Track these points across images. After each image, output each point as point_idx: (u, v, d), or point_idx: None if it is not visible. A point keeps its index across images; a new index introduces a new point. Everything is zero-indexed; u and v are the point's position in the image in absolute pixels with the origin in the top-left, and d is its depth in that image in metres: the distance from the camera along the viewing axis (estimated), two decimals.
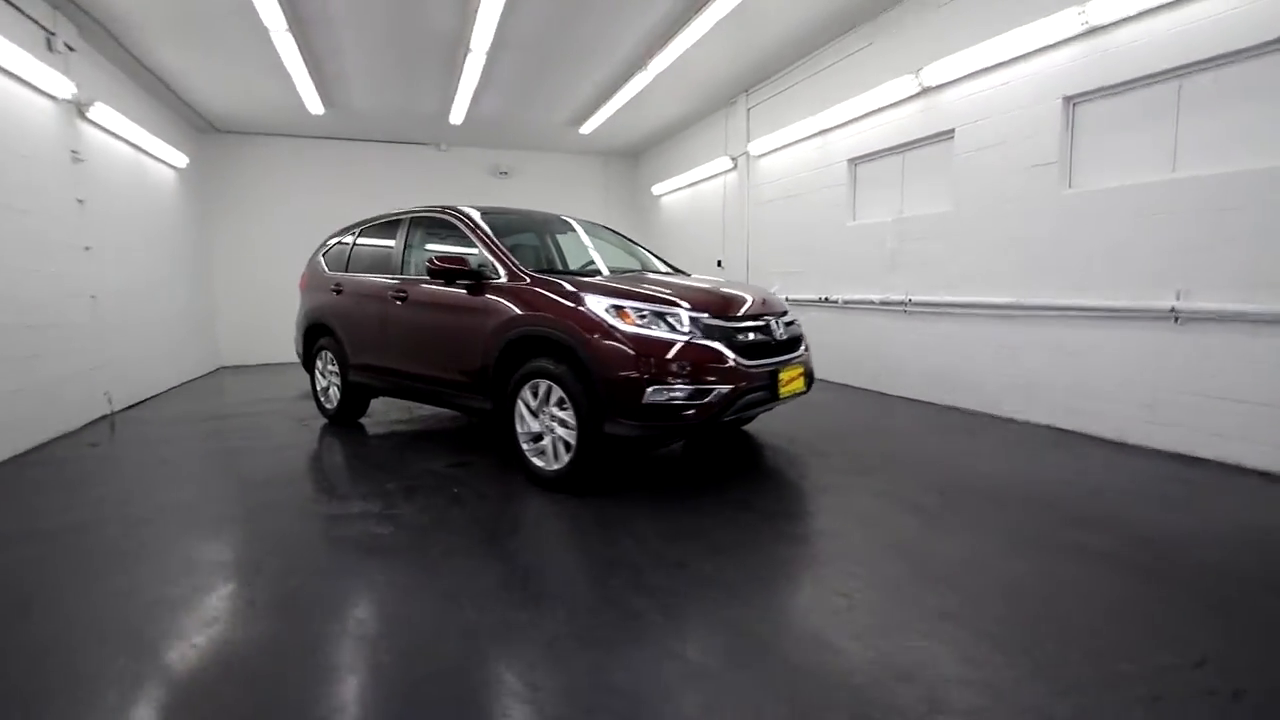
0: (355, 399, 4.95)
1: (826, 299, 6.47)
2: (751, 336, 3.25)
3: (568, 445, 3.17)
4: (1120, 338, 4.00)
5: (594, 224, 4.86)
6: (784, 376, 3.27)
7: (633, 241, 4.91)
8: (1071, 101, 4.21)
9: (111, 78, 5.95)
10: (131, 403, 6.00)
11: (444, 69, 6.60)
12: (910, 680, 1.70)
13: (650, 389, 2.88)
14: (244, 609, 2.15)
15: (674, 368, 2.91)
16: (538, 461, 3.34)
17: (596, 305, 3.06)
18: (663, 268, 4.56)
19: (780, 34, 6.03)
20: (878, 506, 3.04)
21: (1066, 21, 4.02)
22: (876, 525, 2.82)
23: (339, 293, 4.83)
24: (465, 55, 6.03)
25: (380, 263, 4.60)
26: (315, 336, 5.18)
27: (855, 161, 6.16)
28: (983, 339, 4.90)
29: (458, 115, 8.04)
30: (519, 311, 3.38)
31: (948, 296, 5.15)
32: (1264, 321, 3.33)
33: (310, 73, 6.39)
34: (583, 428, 3.05)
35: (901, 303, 5.60)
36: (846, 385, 6.29)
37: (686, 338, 3.00)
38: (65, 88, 4.82)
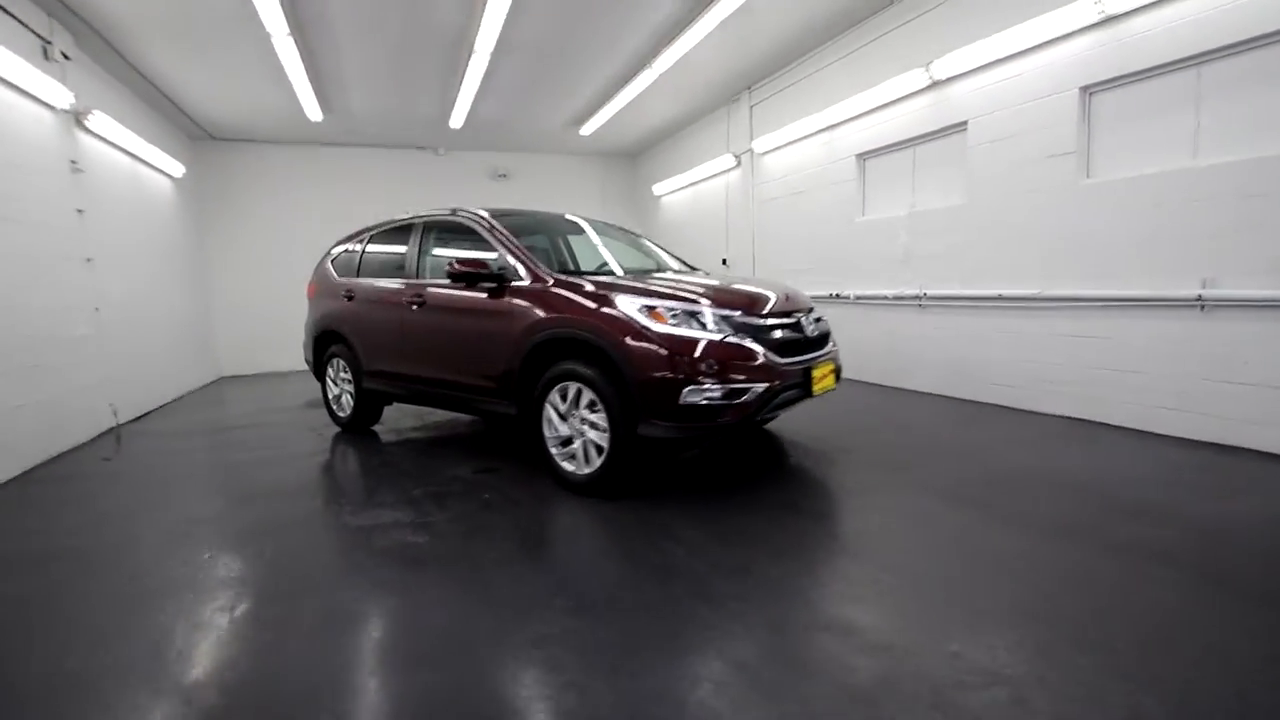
0: (369, 406, 4.87)
1: (837, 295, 6.45)
2: (783, 334, 3.21)
3: (599, 448, 3.12)
4: (1144, 327, 3.99)
5: (604, 223, 4.80)
6: (816, 373, 3.24)
7: (644, 239, 4.87)
8: (1089, 91, 4.20)
9: (107, 86, 5.85)
10: (136, 415, 5.89)
11: (445, 72, 6.53)
12: (998, 681, 1.66)
13: (686, 389, 2.83)
14: (294, 631, 2.08)
15: (710, 367, 2.86)
16: (568, 466, 3.28)
17: (628, 306, 3.01)
18: (677, 265, 4.52)
19: (785, 30, 6.00)
20: (925, 503, 3.01)
21: (1083, 10, 4.01)
22: (930, 523, 2.78)
23: (350, 299, 4.75)
24: (468, 58, 5.96)
25: (393, 268, 4.53)
26: (326, 344, 5.10)
27: (864, 156, 6.14)
28: (1000, 331, 4.89)
29: (458, 119, 7.96)
30: (544, 314, 3.32)
31: (964, 290, 5.14)
32: None
33: (310, 78, 6.30)
34: (615, 430, 3.00)
35: (916, 297, 5.59)
36: (858, 381, 6.27)
37: (720, 336, 2.95)
38: (64, 97, 4.72)
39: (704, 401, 2.86)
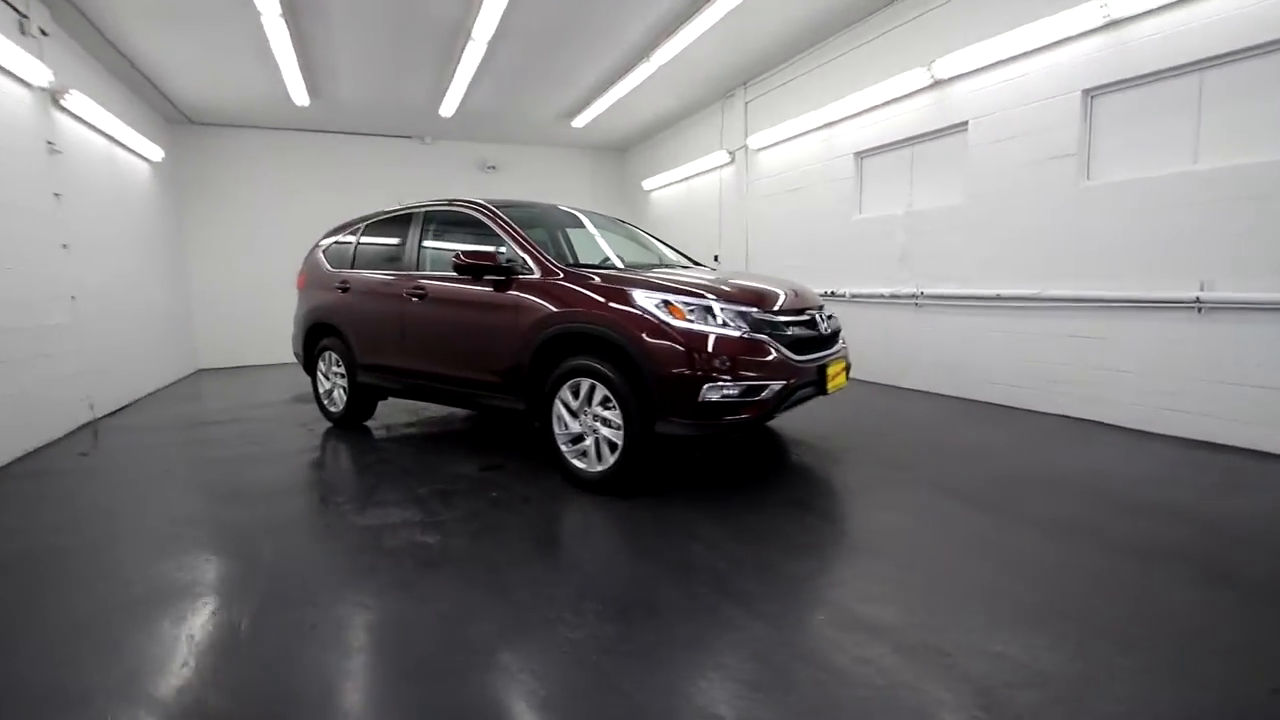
0: (363, 401, 4.74)
1: (832, 293, 6.46)
2: (799, 331, 3.19)
3: (613, 446, 3.07)
4: (1142, 328, 4.05)
5: (603, 215, 4.72)
6: (830, 371, 3.22)
7: (644, 232, 4.80)
8: (1090, 94, 4.25)
9: (83, 64, 5.59)
10: (113, 409, 5.66)
11: (440, 59, 6.38)
12: (1047, 681, 1.65)
13: (706, 386, 2.79)
14: (308, 640, 1.99)
15: (730, 364, 2.82)
16: (579, 463, 3.22)
17: (647, 301, 2.95)
18: (679, 259, 4.47)
19: (784, 27, 5.98)
20: (935, 502, 3.01)
21: (1088, 14, 4.05)
22: (943, 522, 2.78)
23: (345, 291, 4.61)
24: (465, 44, 5.83)
25: (391, 259, 4.41)
26: (318, 337, 4.95)
27: (862, 155, 6.16)
28: (998, 331, 4.94)
29: (449, 107, 7.80)
30: (555, 308, 3.25)
31: (962, 289, 5.18)
32: None
33: (299, 61, 6.10)
34: (631, 428, 2.95)
35: (913, 296, 5.62)
36: (853, 379, 6.26)
37: (739, 333, 2.92)
38: (41, 74, 4.49)
39: (723, 399, 2.82)
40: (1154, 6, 3.81)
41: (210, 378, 7.97)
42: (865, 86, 5.78)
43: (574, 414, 3.21)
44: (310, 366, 5.10)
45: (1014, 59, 4.61)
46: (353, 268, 4.68)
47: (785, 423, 4.54)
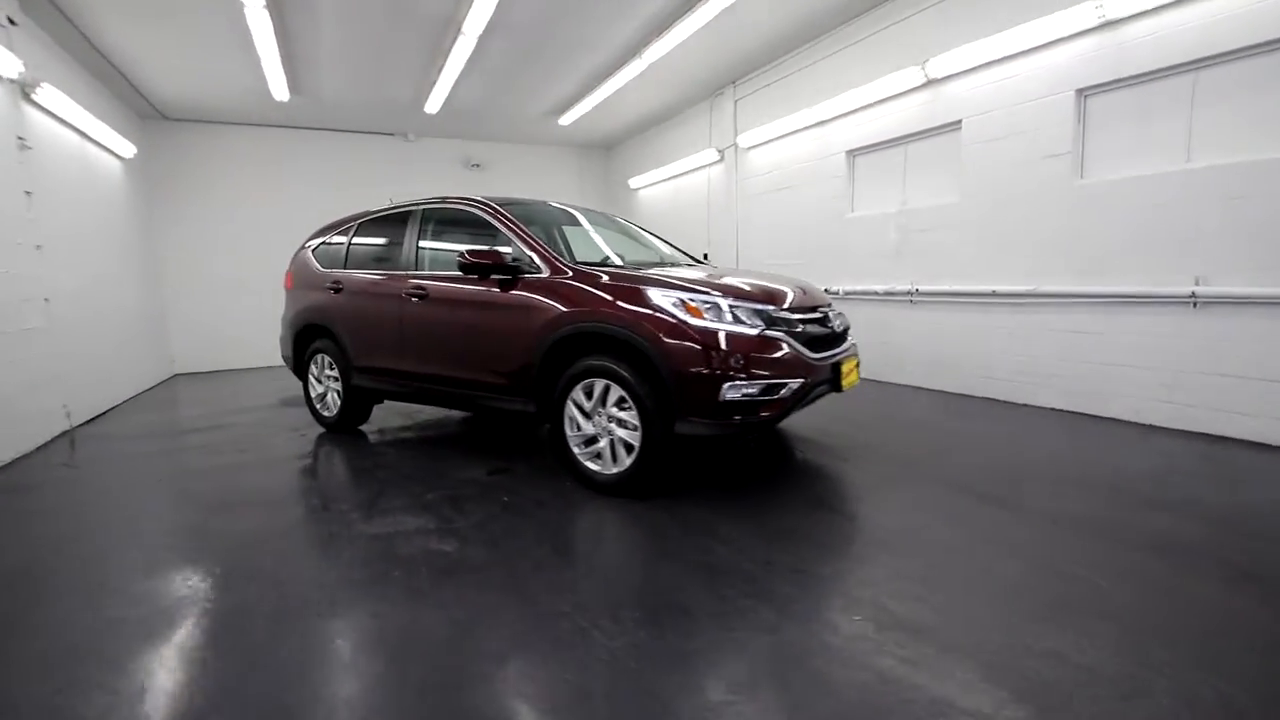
0: (359, 405, 4.61)
1: (826, 290, 6.47)
2: (813, 328, 3.17)
3: (628, 447, 3.02)
4: (1136, 323, 4.13)
5: (600, 212, 4.65)
6: (845, 368, 3.21)
7: (642, 229, 4.74)
8: (1084, 93, 4.32)
9: (52, 56, 5.34)
10: (90, 417, 5.44)
11: (427, 54, 6.25)
12: (1090, 679, 1.65)
13: (726, 385, 2.76)
14: (330, 653, 1.91)
15: (749, 362, 2.79)
16: (593, 465, 3.17)
17: (663, 300, 2.91)
18: (681, 257, 4.43)
19: (775, 25, 5.97)
20: (949, 498, 3.02)
21: (1082, 15, 4.11)
22: (961, 518, 2.79)
23: (338, 292, 4.48)
24: (455, 39, 5.72)
25: (387, 259, 4.29)
26: (309, 339, 4.80)
27: (854, 153, 6.19)
28: (993, 327, 5.00)
29: (434, 104, 7.66)
30: (565, 308, 3.18)
31: (956, 286, 5.23)
32: None
33: (282, 55, 5.92)
34: (649, 428, 2.90)
35: (907, 293, 5.67)
36: None
37: (757, 331, 2.89)
38: (12, 65, 4.29)
39: (743, 398, 2.79)
40: (1149, 7, 3.88)
41: (188, 383, 7.71)
42: (858, 85, 5.81)
43: (587, 415, 3.15)
44: (301, 370, 4.95)
45: (1008, 59, 4.67)
46: (345, 268, 4.55)
47: (788, 420, 4.52)
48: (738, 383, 2.77)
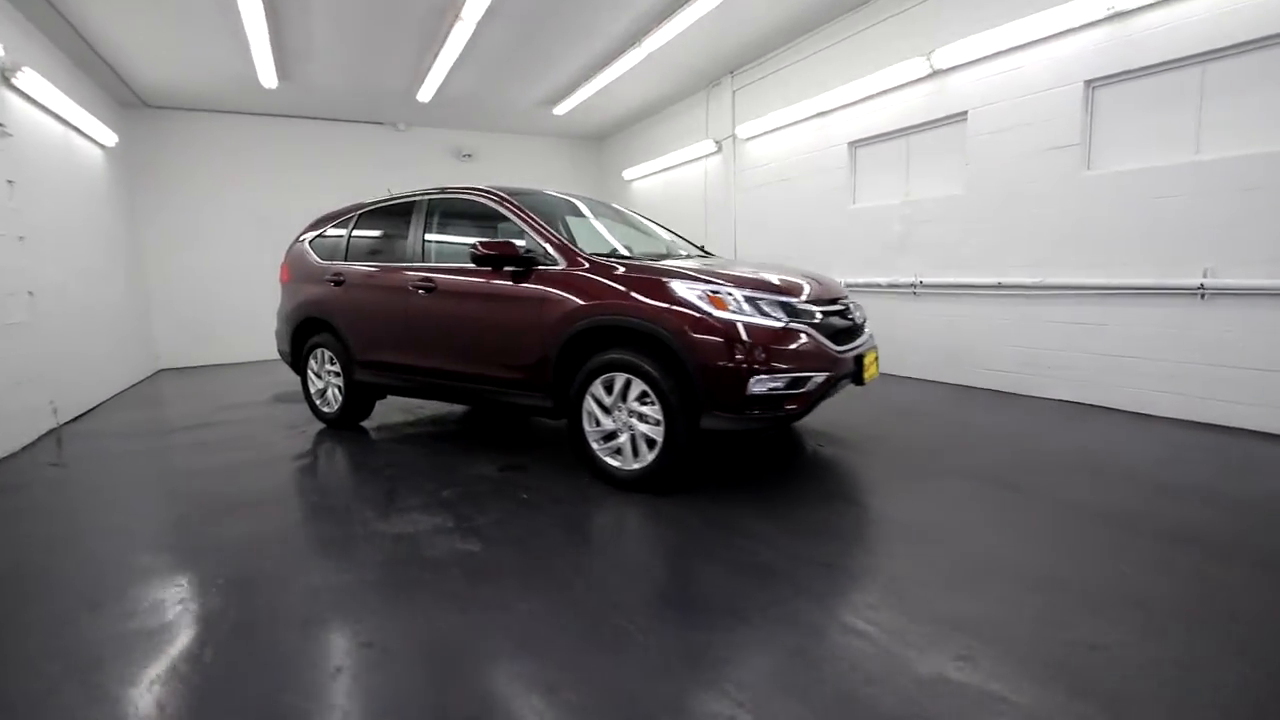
0: (361, 401, 4.51)
1: None
2: (836, 320, 3.14)
3: (650, 442, 2.97)
4: (1143, 314, 4.16)
5: (603, 202, 4.57)
6: (867, 360, 3.19)
7: (647, 219, 4.67)
8: (1092, 85, 4.32)
9: (31, 41, 5.11)
10: (76, 414, 5.25)
11: (423, 40, 6.09)
12: (1141, 672, 1.64)
13: (753, 379, 2.72)
14: (371, 661, 1.84)
15: (777, 355, 2.76)
16: (612, 461, 3.11)
17: (688, 292, 2.85)
18: (691, 248, 4.37)
19: (775, 15, 5.91)
20: (971, 489, 3.02)
21: (1092, 6, 4.11)
22: (986, 508, 2.79)
23: (339, 284, 4.36)
24: (453, 24, 5.57)
25: (392, 251, 4.19)
26: (308, 333, 4.67)
27: (856, 144, 6.16)
28: (999, 319, 5.02)
29: (427, 92, 7.49)
30: (584, 301, 3.12)
31: (961, 278, 5.24)
32: None
33: (272, 40, 5.73)
34: (672, 423, 2.85)
35: (910, 285, 5.67)
36: None
37: (783, 323, 2.85)
38: None
39: (769, 391, 2.75)
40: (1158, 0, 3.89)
41: (175, 378, 7.50)
42: (860, 76, 5.78)
43: (606, 410, 3.09)
44: (299, 365, 4.82)
45: (1016, 49, 4.66)
46: (346, 260, 4.43)
47: None
48: (764, 376, 2.73)
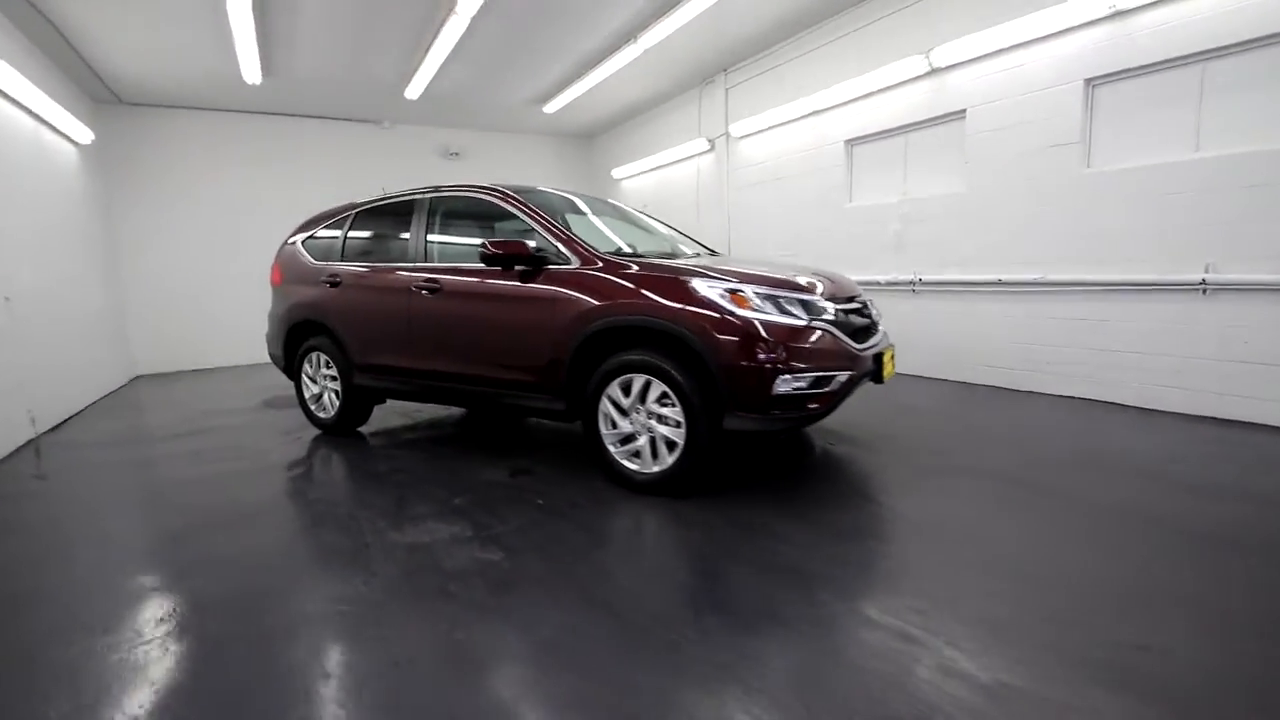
0: (360, 405, 4.37)
1: None
2: (855, 318, 3.11)
3: (670, 444, 2.90)
4: (1145, 310, 4.21)
5: (603, 200, 4.49)
6: (886, 358, 3.16)
7: (651, 217, 4.60)
8: (1092, 83, 4.35)
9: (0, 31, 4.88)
10: (53, 424, 5.03)
11: (414, 35, 5.95)
12: (1203, 678, 1.61)
13: (779, 379, 2.67)
14: (408, 681, 1.74)
15: (801, 354, 2.71)
16: (630, 465, 3.04)
17: (709, 290, 2.79)
18: (699, 248, 4.31)
19: (774, 11, 5.88)
20: (990, 487, 3.01)
21: (1093, 4, 4.13)
22: (1008, 507, 2.77)
23: (335, 286, 4.23)
24: (446, 18, 5.45)
25: (393, 251, 4.07)
26: (302, 336, 4.52)
27: (853, 142, 6.16)
28: (999, 316, 5.05)
29: (415, 89, 7.34)
30: (599, 301, 3.04)
31: (961, 275, 5.26)
32: None
33: (258, 32, 5.55)
34: (694, 425, 2.79)
35: (910, 283, 5.68)
36: None
37: (805, 321, 2.80)
38: None
39: (794, 391, 2.71)
40: None
41: (153, 385, 7.24)
42: (857, 74, 5.78)
43: (624, 412, 3.02)
44: (291, 369, 4.66)
45: (1015, 47, 4.68)
46: (343, 260, 4.29)
47: None
48: (789, 376, 2.68)
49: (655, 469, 2.96)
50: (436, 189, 3.96)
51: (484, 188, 3.71)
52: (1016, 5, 4.56)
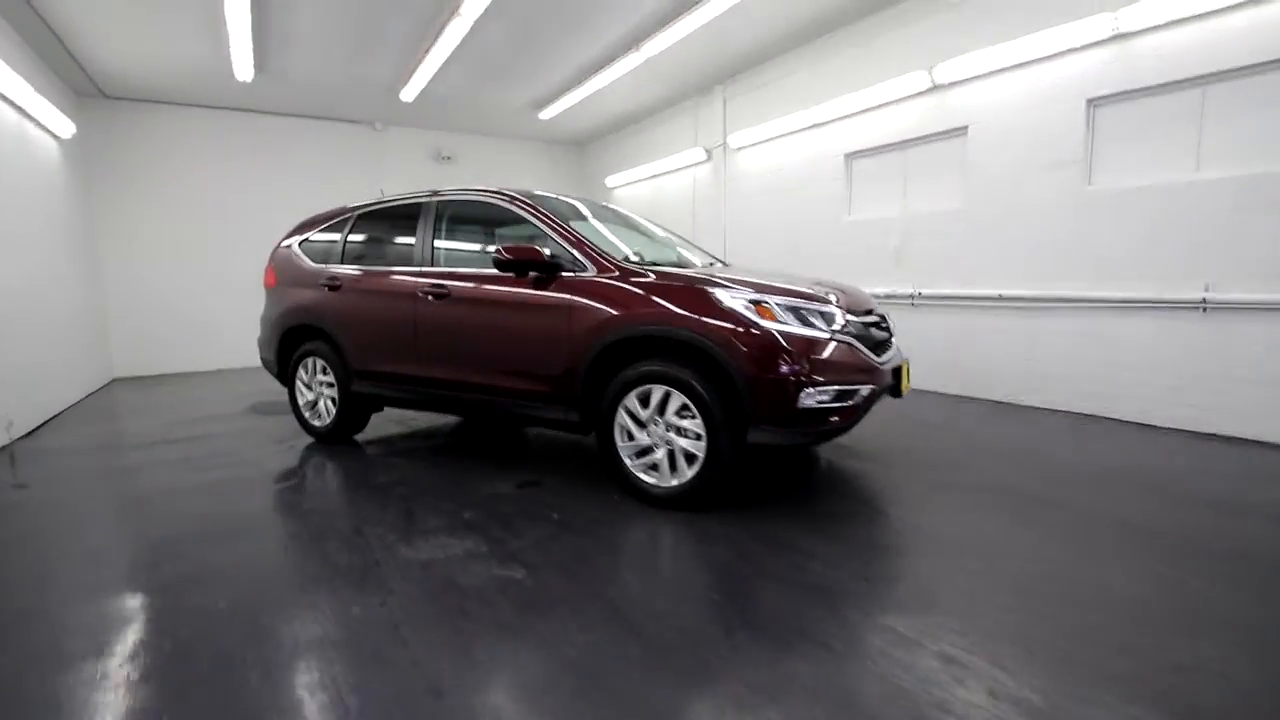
0: (357, 413, 4.24)
1: None
2: (876, 332, 3.09)
3: (690, 458, 2.85)
4: (1143, 327, 4.27)
5: (606, 207, 4.42)
6: (903, 371, 3.14)
7: (657, 225, 4.55)
8: (1094, 104, 4.43)
9: None
10: (28, 429, 4.80)
11: (414, 36, 5.87)
12: (1259, 697, 1.60)
13: (804, 392, 2.63)
14: (441, 713, 1.66)
15: (825, 367, 2.68)
16: (648, 478, 2.97)
17: (733, 301, 2.75)
18: (708, 257, 4.28)
19: (777, 24, 5.92)
20: (1008, 503, 3.00)
21: (1097, 26, 4.21)
22: (1031, 524, 2.75)
23: (335, 289, 4.11)
24: (449, 20, 5.37)
25: (398, 254, 3.97)
26: (297, 341, 4.38)
27: (852, 156, 6.20)
28: (999, 331, 5.09)
29: (411, 91, 7.23)
30: (617, 310, 2.98)
31: (961, 290, 5.31)
32: None
33: (253, 29, 5.42)
34: (715, 438, 2.74)
35: (909, 296, 5.72)
36: None
37: (829, 333, 2.77)
38: None
39: (818, 404, 2.67)
40: (1161, 22, 4.01)
41: (132, 388, 6.99)
42: (859, 88, 5.82)
43: (641, 424, 2.96)
44: (284, 374, 4.51)
45: (1019, 66, 4.75)
46: (343, 263, 4.17)
47: None
48: (815, 389, 2.64)
49: (674, 482, 2.90)
50: (451, 191, 3.87)
51: (495, 192, 3.63)
52: (1020, 25, 4.63)
